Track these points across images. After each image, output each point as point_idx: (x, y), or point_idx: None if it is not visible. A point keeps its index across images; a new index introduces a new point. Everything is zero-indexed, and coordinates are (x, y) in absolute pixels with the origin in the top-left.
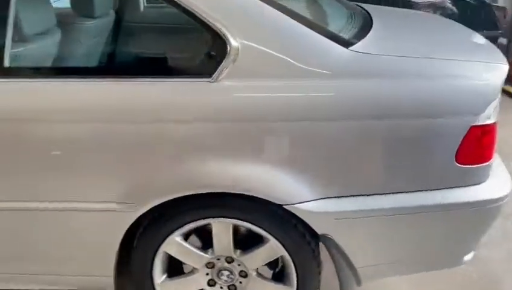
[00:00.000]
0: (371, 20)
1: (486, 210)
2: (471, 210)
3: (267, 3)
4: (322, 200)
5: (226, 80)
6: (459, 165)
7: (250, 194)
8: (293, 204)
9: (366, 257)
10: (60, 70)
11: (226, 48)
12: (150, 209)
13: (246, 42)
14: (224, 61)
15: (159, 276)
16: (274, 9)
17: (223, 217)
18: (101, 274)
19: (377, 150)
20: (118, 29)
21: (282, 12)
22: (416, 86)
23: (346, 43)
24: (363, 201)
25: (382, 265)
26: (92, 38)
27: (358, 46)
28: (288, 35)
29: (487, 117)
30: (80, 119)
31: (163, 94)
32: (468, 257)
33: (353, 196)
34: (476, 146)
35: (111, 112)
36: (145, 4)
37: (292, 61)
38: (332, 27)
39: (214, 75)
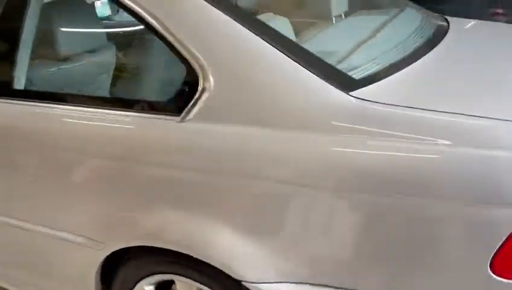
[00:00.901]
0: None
1: None
2: None
3: (258, 35)
4: (286, 284)
5: (194, 121)
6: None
7: (205, 260)
8: (253, 282)
9: None
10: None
11: (198, 85)
12: (123, 251)
13: (221, 81)
14: (194, 100)
15: None
16: (262, 41)
17: (183, 277)
18: None
19: (368, 235)
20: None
21: (274, 45)
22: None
23: (350, 85)
24: None
25: None
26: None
27: (368, 90)
28: (271, 72)
29: None
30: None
31: (128, 130)
32: None
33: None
34: None
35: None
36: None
37: (269, 106)
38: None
39: (182, 115)
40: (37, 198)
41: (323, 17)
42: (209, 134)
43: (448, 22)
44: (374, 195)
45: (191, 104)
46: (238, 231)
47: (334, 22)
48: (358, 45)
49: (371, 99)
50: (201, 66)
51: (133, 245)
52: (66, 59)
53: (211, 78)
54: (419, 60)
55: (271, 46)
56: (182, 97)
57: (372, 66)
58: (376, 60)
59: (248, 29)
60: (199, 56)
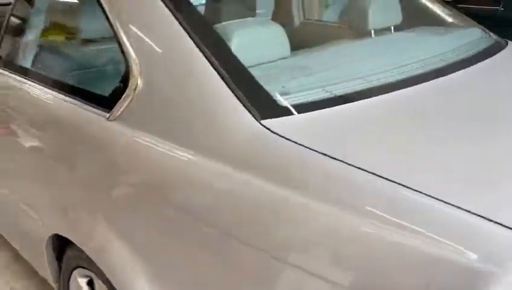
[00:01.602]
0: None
1: None
2: None
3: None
4: None
5: (120, 122)
6: None
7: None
8: None
9: None
10: None
11: (128, 83)
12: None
13: (150, 83)
14: (123, 98)
15: None
16: (199, 54)
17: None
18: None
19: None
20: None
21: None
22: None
23: (270, 112)
24: None
25: None
26: None
27: (288, 120)
28: (195, 88)
29: None
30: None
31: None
32: None
33: None
34: None
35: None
36: None
37: (182, 123)
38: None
39: (111, 112)
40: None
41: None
42: (125, 136)
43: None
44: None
45: (118, 102)
46: (125, 241)
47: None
48: (335, 65)
49: (279, 133)
50: (136, 66)
51: (52, 233)
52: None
53: (139, 81)
54: (400, 90)
55: (205, 61)
56: (113, 94)
57: (321, 92)
58: (334, 85)
59: (192, 40)
60: (135, 55)
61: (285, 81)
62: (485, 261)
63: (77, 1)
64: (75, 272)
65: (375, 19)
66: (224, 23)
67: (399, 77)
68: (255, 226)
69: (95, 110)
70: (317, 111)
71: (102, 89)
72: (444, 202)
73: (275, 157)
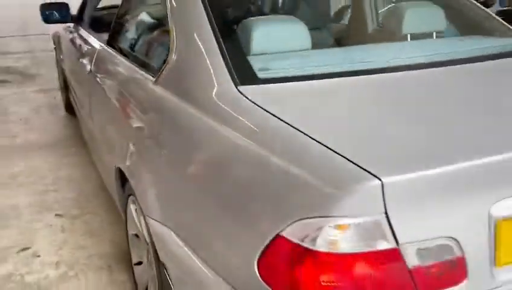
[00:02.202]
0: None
1: None
2: None
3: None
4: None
5: (160, 86)
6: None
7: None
8: (147, 215)
9: None
10: None
11: (167, 58)
12: None
13: (181, 56)
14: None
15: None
16: (212, 37)
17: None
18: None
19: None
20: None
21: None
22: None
23: (247, 80)
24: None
25: None
26: None
27: (256, 88)
28: (202, 58)
29: None
30: None
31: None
32: None
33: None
34: None
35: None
36: None
37: (194, 87)
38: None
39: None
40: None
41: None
42: (163, 97)
43: None
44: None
45: (160, 70)
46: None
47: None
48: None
49: (249, 97)
50: (173, 45)
51: (116, 166)
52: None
53: (173, 56)
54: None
55: (215, 41)
56: (159, 65)
57: (293, 71)
58: (304, 67)
59: (212, 30)
60: (175, 38)
61: (266, 62)
62: (333, 185)
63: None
64: (129, 200)
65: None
66: (246, 19)
67: (364, 68)
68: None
69: (147, 75)
70: (278, 84)
71: (156, 62)
72: (322, 144)
73: (237, 109)
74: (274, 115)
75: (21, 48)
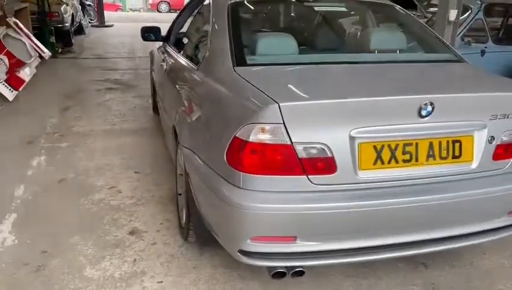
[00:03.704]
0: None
1: None
2: None
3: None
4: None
5: (199, 71)
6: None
7: None
8: (182, 145)
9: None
10: None
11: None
12: None
13: (211, 54)
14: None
15: None
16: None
17: None
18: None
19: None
20: None
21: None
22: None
23: (241, 64)
24: None
25: None
26: None
27: (246, 69)
28: (224, 46)
29: None
30: None
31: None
32: None
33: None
34: None
35: None
36: None
37: (214, 68)
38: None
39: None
40: None
41: None
42: (199, 77)
43: None
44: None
45: (200, 62)
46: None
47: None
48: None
49: (242, 74)
50: (209, 43)
51: (172, 124)
52: None
53: (207, 52)
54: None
55: (228, 46)
56: (200, 57)
57: (269, 60)
58: (284, 58)
59: (229, 41)
60: (210, 38)
61: (254, 57)
62: (258, 107)
63: (202, 11)
64: (177, 149)
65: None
66: (258, 33)
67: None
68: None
69: (193, 65)
70: (259, 67)
71: (199, 57)
72: (261, 90)
73: (230, 78)
74: (244, 78)
75: (128, 66)
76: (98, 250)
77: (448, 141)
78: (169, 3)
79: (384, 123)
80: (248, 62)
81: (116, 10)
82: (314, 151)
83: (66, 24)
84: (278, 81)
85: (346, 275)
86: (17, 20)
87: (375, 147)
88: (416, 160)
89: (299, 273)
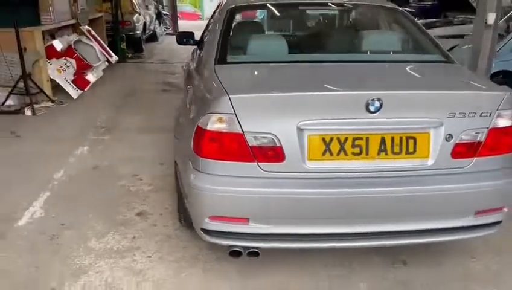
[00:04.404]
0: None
1: None
2: None
3: None
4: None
5: (195, 70)
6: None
7: None
8: (174, 136)
9: None
10: None
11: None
12: None
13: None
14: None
15: None
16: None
17: None
18: None
19: None
20: None
21: None
22: None
23: (220, 62)
24: None
25: None
26: None
27: (223, 66)
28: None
29: None
30: None
31: None
32: None
33: None
34: None
35: None
36: None
37: (204, 64)
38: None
39: None
40: None
41: None
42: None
43: None
44: None
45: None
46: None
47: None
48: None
49: (217, 71)
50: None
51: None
52: None
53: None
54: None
55: (216, 47)
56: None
57: (247, 58)
58: (257, 58)
59: (217, 43)
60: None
61: (235, 56)
62: (214, 98)
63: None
64: None
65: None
66: (246, 35)
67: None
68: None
69: (194, 64)
70: (237, 65)
71: (200, 55)
72: (222, 84)
73: (208, 73)
74: (217, 75)
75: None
76: (105, 226)
77: (401, 137)
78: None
79: (332, 117)
80: (228, 60)
81: (196, 19)
82: (263, 140)
83: (138, 32)
84: (244, 77)
85: (325, 264)
86: (89, 28)
87: (324, 139)
88: (367, 153)
89: (254, 253)
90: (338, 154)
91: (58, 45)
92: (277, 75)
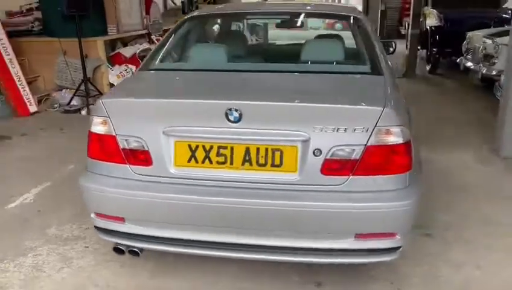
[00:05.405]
0: None
1: None
2: None
3: None
4: None
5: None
6: None
7: None
8: None
9: None
10: None
11: None
12: None
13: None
14: None
15: None
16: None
17: None
18: None
19: None
20: None
21: None
22: None
23: (146, 68)
24: None
25: None
26: None
27: (144, 72)
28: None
29: None
30: None
31: None
32: None
33: None
34: None
35: None
36: None
37: None
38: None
39: None
40: None
41: None
42: None
43: None
44: None
45: None
46: None
47: None
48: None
49: (136, 73)
50: None
51: None
52: None
53: None
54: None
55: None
56: None
57: (165, 66)
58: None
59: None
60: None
61: (162, 64)
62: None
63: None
64: None
65: None
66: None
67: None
68: None
69: None
70: (151, 71)
71: None
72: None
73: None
74: (125, 80)
75: None
76: (72, 218)
77: (267, 149)
78: None
79: (196, 124)
80: (150, 67)
81: None
82: (134, 144)
83: None
84: (136, 83)
85: (235, 276)
86: (160, 38)
87: (190, 146)
88: (231, 163)
89: (134, 252)
90: (203, 162)
91: (125, 52)
92: (173, 82)
